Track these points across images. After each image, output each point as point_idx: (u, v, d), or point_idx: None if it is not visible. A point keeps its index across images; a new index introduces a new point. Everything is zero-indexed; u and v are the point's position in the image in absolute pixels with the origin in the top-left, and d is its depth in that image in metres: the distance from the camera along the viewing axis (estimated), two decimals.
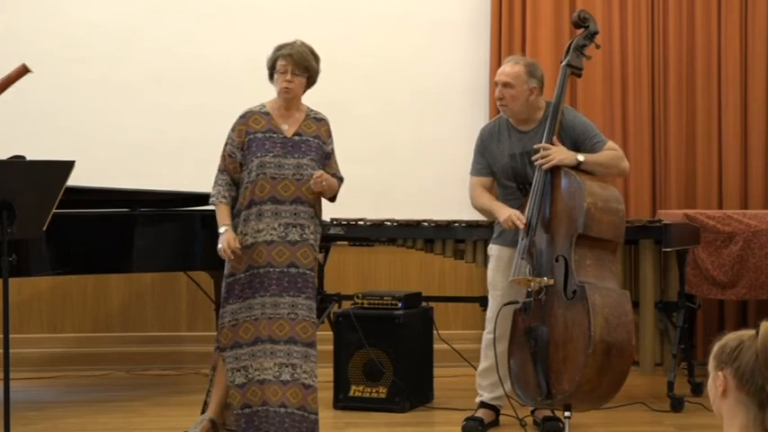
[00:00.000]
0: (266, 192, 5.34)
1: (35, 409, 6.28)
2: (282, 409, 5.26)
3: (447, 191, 7.48)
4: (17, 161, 5.45)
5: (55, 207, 5.10)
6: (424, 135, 7.76)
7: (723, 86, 7.66)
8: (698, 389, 6.44)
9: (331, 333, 6.46)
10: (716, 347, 2.52)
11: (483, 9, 7.77)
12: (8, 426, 4.84)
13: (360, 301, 6.43)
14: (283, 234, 5.33)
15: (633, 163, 7.62)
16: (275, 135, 5.42)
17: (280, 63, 5.41)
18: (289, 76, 5.39)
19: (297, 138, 5.44)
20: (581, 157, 5.46)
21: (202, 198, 6.52)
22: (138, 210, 6.86)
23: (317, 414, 5.33)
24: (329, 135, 5.58)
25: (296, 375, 5.29)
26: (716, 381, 2.50)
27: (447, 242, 6.59)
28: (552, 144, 5.49)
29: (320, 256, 5.49)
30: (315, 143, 5.46)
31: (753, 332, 2.47)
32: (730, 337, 2.51)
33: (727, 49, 7.65)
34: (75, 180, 5.13)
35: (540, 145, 5.48)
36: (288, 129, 5.46)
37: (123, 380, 7.31)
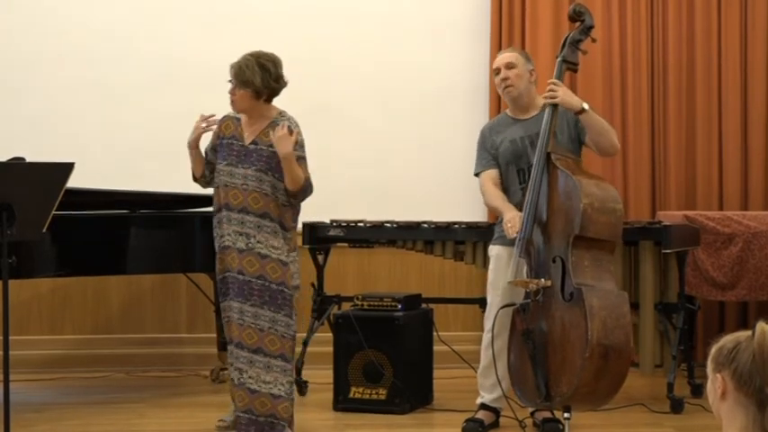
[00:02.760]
0: (221, 199, 5.48)
1: (35, 411, 6.28)
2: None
3: (447, 193, 7.50)
4: (17, 163, 5.46)
5: (55, 209, 5.11)
6: (423, 137, 7.77)
7: (723, 88, 7.67)
8: (698, 390, 6.44)
9: (331, 335, 6.47)
10: (713, 350, 2.53)
11: (483, 11, 7.77)
12: (8, 427, 4.85)
13: (360, 303, 6.43)
14: (234, 240, 5.43)
15: (633, 164, 7.64)
16: (236, 143, 5.52)
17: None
18: (231, 90, 5.49)
19: (252, 146, 5.49)
20: (586, 105, 5.47)
21: (201, 200, 6.54)
22: (138, 211, 6.88)
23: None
24: (294, 142, 5.46)
25: (242, 380, 5.38)
26: (714, 383, 2.51)
27: (447, 244, 6.60)
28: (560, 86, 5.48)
29: (296, 276, 5.54)
30: (268, 152, 5.44)
31: (749, 333, 2.48)
32: (727, 339, 2.51)
33: (726, 51, 7.66)
34: (74, 182, 5.13)
35: (551, 81, 5.49)
36: (247, 137, 5.52)
37: (123, 381, 7.32)
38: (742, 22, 7.67)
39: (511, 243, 5.61)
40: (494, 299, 5.77)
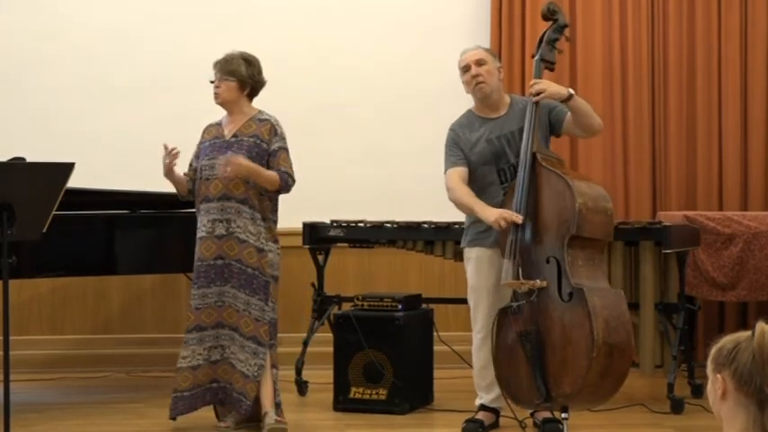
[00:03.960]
0: (201, 193, 5.74)
1: (35, 411, 6.29)
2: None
3: (446, 193, 7.49)
4: (17, 163, 5.46)
5: (55, 209, 5.11)
6: (423, 137, 7.75)
7: (723, 88, 7.66)
8: (698, 390, 6.44)
9: (331, 335, 6.47)
10: (713, 350, 2.53)
11: (483, 12, 7.77)
12: (8, 427, 4.85)
13: (360, 303, 6.44)
14: (211, 229, 5.66)
15: (633, 165, 7.64)
16: (217, 141, 5.79)
17: (214, 73, 5.79)
18: (216, 82, 5.75)
19: (233, 139, 5.76)
20: (571, 90, 5.48)
21: None
22: (138, 211, 6.88)
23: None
24: (274, 134, 5.77)
25: (225, 355, 5.70)
26: (715, 383, 2.51)
27: (447, 244, 6.60)
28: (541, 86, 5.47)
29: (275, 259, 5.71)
30: (249, 142, 5.72)
31: (749, 333, 2.48)
32: (727, 340, 2.52)
33: (727, 52, 7.65)
34: (74, 182, 5.13)
35: (533, 81, 5.49)
36: (228, 132, 5.79)
37: (123, 381, 7.32)
38: (742, 23, 7.66)
39: (491, 245, 5.63)
40: (479, 302, 5.76)
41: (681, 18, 7.70)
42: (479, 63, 5.71)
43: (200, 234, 5.72)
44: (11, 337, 4.95)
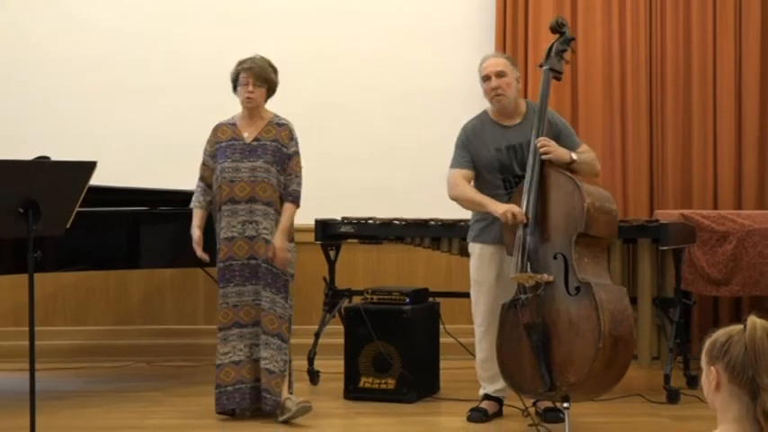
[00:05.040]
0: (225, 194, 5.73)
1: (59, 399, 6.29)
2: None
3: None
4: (42, 162, 5.46)
5: (78, 205, 5.10)
6: (431, 137, 7.74)
7: (718, 92, 7.65)
8: (693, 381, 6.42)
9: (342, 327, 6.47)
10: (707, 343, 2.53)
11: (488, 16, 7.75)
12: (33, 414, 4.84)
13: (369, 297, 6.43)
14: (242, 230, 5.70)
15: (632, 165, 7.63)
16: (237, 142, 5.79)
17: (242, 76, 5.78)
18: (250, 87, 5.76)
19: (255, 143, 5.78)
20: (575, 156, 5.50)
21: None
22: (157, 208, 6.88)
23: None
24: (291, 138, 5.84)
25: (255, 355, 5.73)
26: (709, 375, 2.51)
27: (453, 240, 6.59)
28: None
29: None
30: (272, 146, 5.77)
31: (741, 327, 2.48)
32: (719, 333, 2.51)
33: (722, 56, 7.64)
34: (97, 180, 5.13)
35: (541, 138, 5.48)
36: (248, 135, 5.80)
37: (143, 371, 7.32)
38: (736, 27, 7.64)
39: (493, 241, 5.65)
40: (479, 296, 5.77)
41: (677, 23, 7.67)
42: (499, 75, 5.67)
43: (228, 234, 5.71)
44: (36, 328, 4.94)
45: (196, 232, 5.86)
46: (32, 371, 4.90)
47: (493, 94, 5.69)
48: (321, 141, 7.32)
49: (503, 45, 7.63)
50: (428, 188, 7.63)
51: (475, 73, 7.72)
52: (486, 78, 5.72)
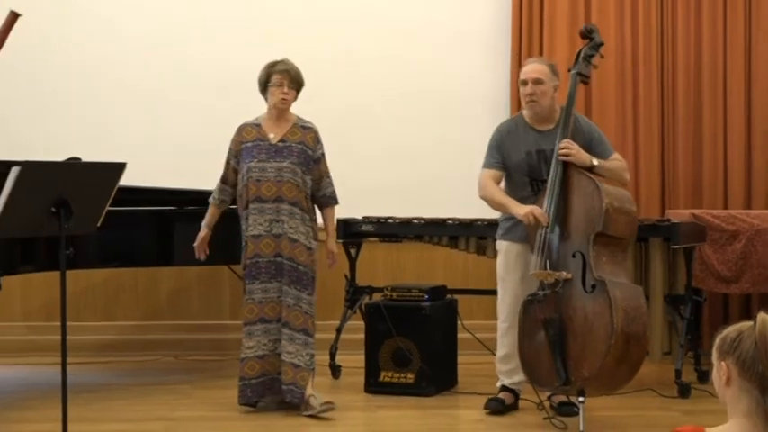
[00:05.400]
0: (252, 193, 5.71)
1: (90, 392, 6.31)
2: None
3: (470, 192, 7.44)
4: (74, 162, 5.49)
5: (108, 205, 5.12)
6: (450, 140, 7.75)
7: (728, 94, 7.62)
8: (704, 376, 6.40)
9: (362, 323, 6.48)
10: (717, 339, 2.52)
11: (504, 23, 7.74)
12: (65, 406, 4.86)
13: (389, 294, 6.43)
14: (269, 228, 5.69)
15: (644, 166, 7.61)
16: (263, 143, 5.78)
17: (275, 78, 5.76)
18: (285, 89, 5.75)
19: (281, 144, 5.78)
20: (595, 161, 5.49)
21: None
22: (184, 208, 6.89)
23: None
24: (317, 142, 5.87)
25: (279, 350, 5.70)
26: (719, 370, 2.50)
27: (470, 239, 6.60)
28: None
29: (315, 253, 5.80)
30: (298, 148, 5.78)
31: (751, 323, 2.47)
32: (730, 329, 2.51)
33: (732, 58, 7.61)
34: (126, 180, 5.15)
35: (565, 141, 5.48)
36: (274, 137, 5.80)
37: (171, 364, 7.34)
38: (746, 30, 7.62)
39: (519, 239, 5.65)
40: (505, 292, 5.78)
41: (688, 26, 7.65)
42: (536, 82, 5.64)
43: (255, 232, 5.71)
44: (68, 324, 4.97)
45: (203, 230, 5.93)
46: (64, 364, 4.92)
47: (527, 100, 5.68)
48: (342, 143, 7.32)
49: (518, 49, 7.62)
50: (446, 188, 7.65)
51: (492, 75, 7.78)
52: (523, 83, 5.70)
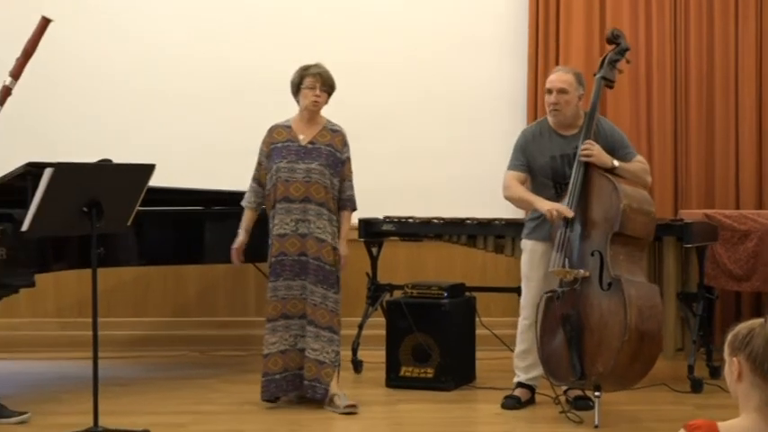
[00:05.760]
0: (280, 193, 5.68)
1: (120, 385, 6.34)
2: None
3: (488, 192, 7.44)
4: (105, 164, 5.51)
5: (138, 205, 5.15)
6: (468, 141, 7.75)
7: (740, 97, 7.58)
8: (716, 372, 6.39)
9: (383, 320, 6.49)
10: (729, 336, 2.52)
11: (521, 28, 7.73)
12: (96, 399, 4.90)
13: (409, 291, 6.43)
14: (295, 228, 5.65)
15: (657, 167, 7.58)
16: (292, 144, 5.75)
17: (308, 80, 5.73)
18: (317, 92, 5.73)
19: (310, 146, 5.75)
20: (616, 163, 5.48)
21: None
22: (212, 208, 6.91)
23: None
24: (344, 144, 5.85)
25: (300, 345, 5.69)
26: (731, 366, 2.50)
27: (488, 238, 6.59)
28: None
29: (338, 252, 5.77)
30: (326, 150, 5.75)
31: (761, 320, 2.47)
32: (742, 326, 2.51)
33: (743, 59, 7.56)
34: (155, 181, 5.17)
35: (587, 142, 5.48)
36: (304, 138, 5.77)
37: (198, 359, 7.36)
38: (758, 31, 7.57)
39: (544, 238, 5.64)
40: (529, 290, 5.77)
41: (701, 31, 7.62)
42: (561, 91, 5.62)
43: (281, 231, 5.68)
44: (99, 320, 4.99)
45: (242, 235, 5.86)
46: (96, 359, 4.95)
47: (551, 108, 5.68)
48: (364, 144, 7.29)
49: (535, 52, 7.60)
50: (465, 188, 7.65)
51: (510, 78, 7.77)
52: (548, 91, 5.69)
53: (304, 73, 5.76)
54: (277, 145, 5.77)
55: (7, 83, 5.08)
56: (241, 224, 5.90)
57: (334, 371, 5.70)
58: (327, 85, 5.76)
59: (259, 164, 5.87)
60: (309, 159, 5.70)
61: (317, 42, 7.48)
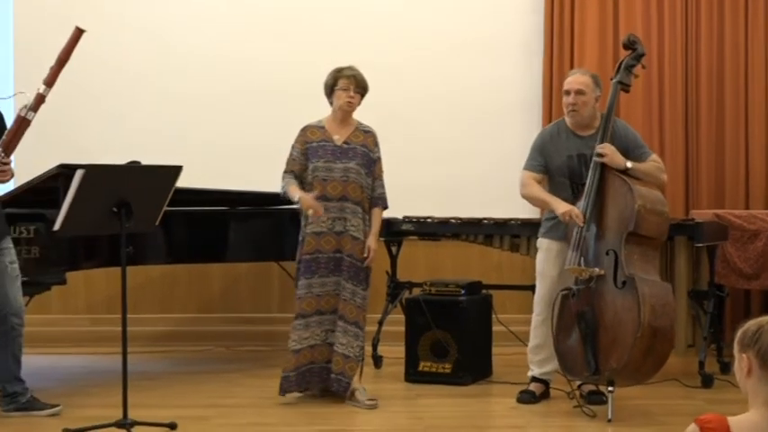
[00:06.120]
0: (317, 191, 5.62)
1: (148, 379, 6.37)
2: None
3: (505, 192, 7.45)
4: (133, 166, 5.54)
5: (166, 205, 5.17)
6: (485, 143, 7.75)
7: (750, 99, 7.57)
8: (726, 367, 6.38)
9: (403, 316, 6.50)
10: (739, 333, 2.52)
11: (537, 33, 7.74)
12: (126, 392, 4.92)
13: (428, 289, 6.44)
14: (331, 226, 5.63)
15: (669, 168, 7.52)
16: (327, 144, 5.72)
17: (342, 82, 5.71)
18: (351, 93, 5.71)
19: (345, 146, 5.74)
20: (629, 164, 5.48)
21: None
22: (236, 208, 6.94)
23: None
24: (375, 144, 5.85)
25: (330, 340, 5.69)
26: (740, 362, 2.50)
27: (504, 237, 6.60)
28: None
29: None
30: (361, 150, 5.75)
31: None
32: (751, 323, 2.51)
33: (753, 61, 7.55)
34: (182, 182, 5.19)
35: (602, 144, 5.48)
36: (338, 138, 5.74)
37: (223, 355, 7.38)
38: (767, 37, 7.56)
39: (560, 238, 5.64)
40: (542, 287, 5.77)
41: (712, 33, 7.61)
42: (578, 92, 5.62)
43: (317, 229, 5.64)
44: (128, 316, 5.02)
45: (302, 193, 5.54)
46: (125, 354, 4.97)
47: (569, 109, 5.67)
48: (384, 146, 7.32)
49: (550, 55, 7.61)
50: (482, 189, 7.66)
51: (526, 80, 7.77)
52: (566, 93, 5.69)
53: (338, 75, 5.74)
54: (312, 144, 5.72)
55: (41, 90, 5.10)
56: (296, 193, 5.58)
57: (357, 365, 5.71)
58: (361, 87, 5.74)
59: (292, 159, 5.73)
60: (346, 159, 5.69)
61: (341, 47, 7.47)
